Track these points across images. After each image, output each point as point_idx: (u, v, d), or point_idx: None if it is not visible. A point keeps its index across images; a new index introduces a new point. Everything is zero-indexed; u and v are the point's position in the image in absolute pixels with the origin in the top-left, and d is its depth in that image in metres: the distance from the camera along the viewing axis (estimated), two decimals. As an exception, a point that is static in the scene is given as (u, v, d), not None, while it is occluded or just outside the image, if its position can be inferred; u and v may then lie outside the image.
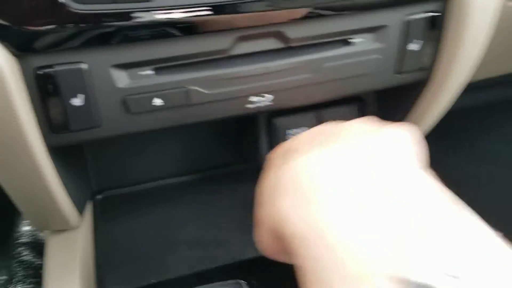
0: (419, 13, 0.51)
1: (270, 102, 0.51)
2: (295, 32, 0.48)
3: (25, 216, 0.56)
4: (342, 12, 0.48)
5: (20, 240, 0.85)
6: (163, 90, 0.46)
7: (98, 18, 0.40)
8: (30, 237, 0.84)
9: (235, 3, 0.43)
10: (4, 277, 0.80)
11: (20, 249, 0.84)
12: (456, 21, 0.52)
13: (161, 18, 0.42)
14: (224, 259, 0.62)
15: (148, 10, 0.41)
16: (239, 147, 0.77)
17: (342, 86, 0.53)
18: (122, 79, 0.45)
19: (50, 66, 0.42)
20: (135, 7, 0.41)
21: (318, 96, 0.54)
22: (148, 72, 0.46)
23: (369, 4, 0.48)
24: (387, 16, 0.50)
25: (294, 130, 0.67)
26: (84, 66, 0.43)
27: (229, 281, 0.52)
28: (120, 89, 0.45)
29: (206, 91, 0.48)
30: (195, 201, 0.73)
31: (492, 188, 1.37)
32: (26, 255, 0.84)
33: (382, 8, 0.49)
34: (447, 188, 0.32)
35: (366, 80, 0.54)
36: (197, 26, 0.43)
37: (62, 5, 0.39)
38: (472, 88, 0.90)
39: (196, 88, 0.47)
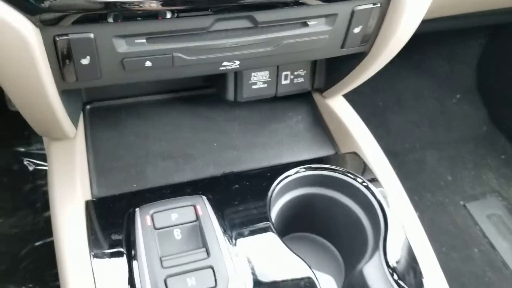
0: (365, 4, 0.62)
1: (237, 66, 0.64)
2: (263, 17, 0.59)
3: (31, 125, 0.69)
4: (304, 4, 0.59)
5: None
6: (153, 55, 0.58)
7: (106, 5, 0.50)
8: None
9: None
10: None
11: None
12: (394, 12, 0.64)
13: (154, 5, 0.52)
14: (191, 172, 0.78)
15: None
16: (210, 76, 0.89)
17: (296, 56, 0.66)
18: (121, 45, 0.56)
19: (65, 35, 0.53)
20: None
21: (276, 62, 0.67)
22: (142, 40, 0.57)
23: None
24: (339, 6, 0.61)
25: (258, 73, 0.80)
26: (91, 35, 0.54)
27: (195, 195, 0.69)
28: (119, 53, 0.56)
29: (187, 57, 0.60)
30: (168, 118, 0.87)
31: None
32: None
33: (337, 1, 0.60)
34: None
35: (315, 52, 0.66)
36: (184, 10, 0.54)
37: None
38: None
39: (179, 55, 0.59)
